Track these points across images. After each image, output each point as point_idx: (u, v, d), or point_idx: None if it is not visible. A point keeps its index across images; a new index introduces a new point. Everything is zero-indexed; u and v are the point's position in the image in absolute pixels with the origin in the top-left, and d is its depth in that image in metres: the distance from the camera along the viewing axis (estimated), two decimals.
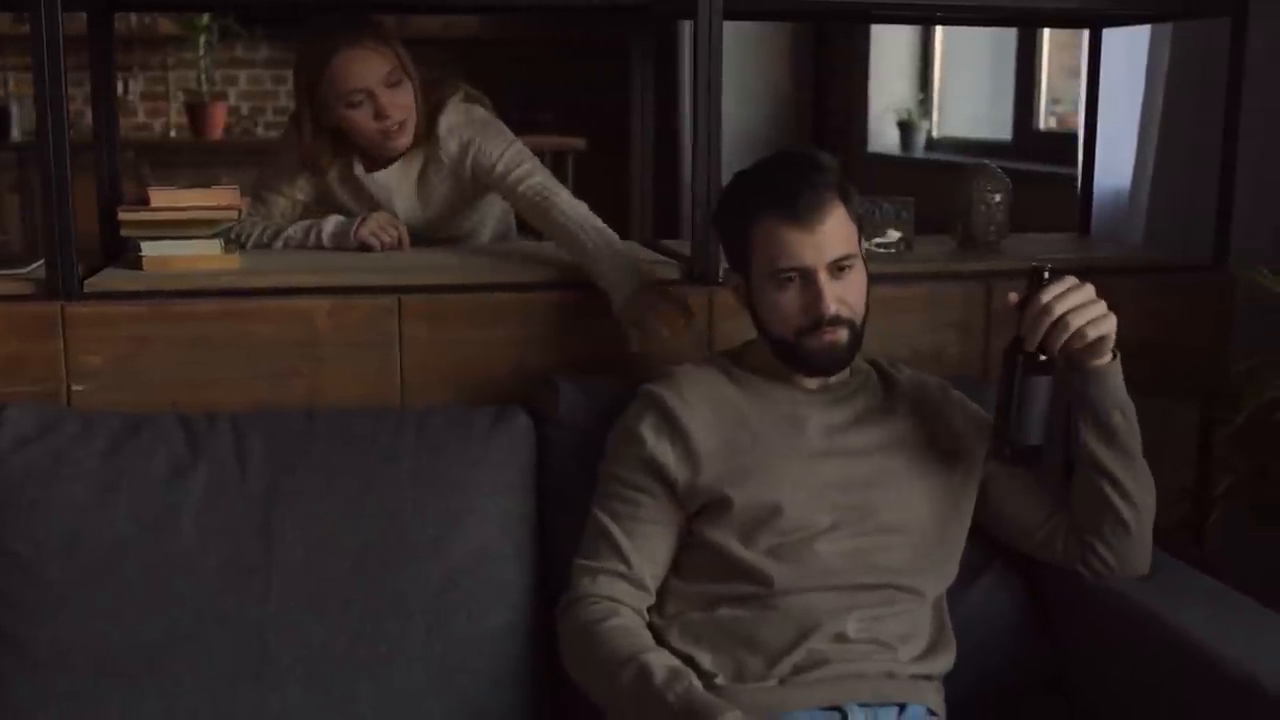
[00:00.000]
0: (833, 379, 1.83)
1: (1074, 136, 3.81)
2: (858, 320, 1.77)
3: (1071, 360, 1.72)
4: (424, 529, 1.83)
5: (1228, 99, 2.38)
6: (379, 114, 2.33)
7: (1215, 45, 2.85)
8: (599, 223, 2.16)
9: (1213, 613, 1.73)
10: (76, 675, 1.73)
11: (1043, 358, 1.67)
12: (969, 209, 2.46)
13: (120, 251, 2.26)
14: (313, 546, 1.81)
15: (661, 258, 2.33)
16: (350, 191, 2.47)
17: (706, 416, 1.77)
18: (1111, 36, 2.87)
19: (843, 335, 1.75)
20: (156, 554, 1.77)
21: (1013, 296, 1.69)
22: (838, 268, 1.73)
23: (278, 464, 1.86)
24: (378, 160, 2.44)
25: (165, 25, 5.87)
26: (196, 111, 5.61)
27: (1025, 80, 4.34)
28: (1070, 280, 1.67)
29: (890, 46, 5.18)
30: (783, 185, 1.73)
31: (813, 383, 1.82)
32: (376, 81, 2.31)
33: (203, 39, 5.49)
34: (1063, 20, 2.89)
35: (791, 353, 1.77)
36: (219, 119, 5.64)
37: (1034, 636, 1.91)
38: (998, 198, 2.46)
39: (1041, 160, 3.93)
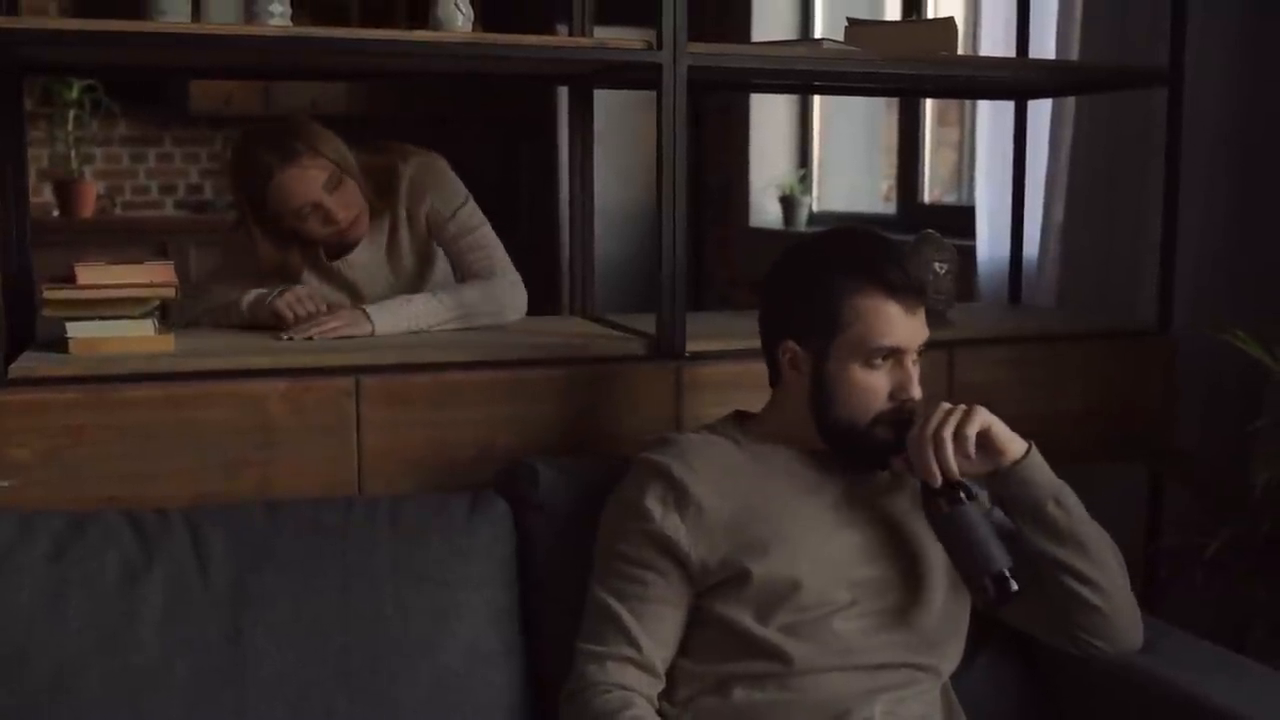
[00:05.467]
0: None
1: (959, 210, 3.87)
2: None
3: (991, 475, 1.68)
4: (410, 627, 1.70)
5: (1167, 167, 2.41)
6: (328, 220, 2.31)
7: (1121, 115, 2.93)
8: (482, 309, 2.26)
9: (1231, 679, 1.70)
10: None
11: (954, 490, 1.63)
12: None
13: (31, 336, 2.10)
14: (289, 652, 1.66)
15: (622, 334, 2.24)
16: (322, 277, 2.41)
17: (717, 484, 1.68)
18: (1006, 110, 2.92)
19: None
20: (116, 668, 1.61)
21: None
22: (914, 356, 1.70)
23: (242, 562, 1.71)
24: (339, 248, 2.41)
25: None
26: (65, 189, 5.31)
27: (909, 154, 4.41)
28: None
29: (769, 120, 5.21)
30: (888, 262, 1.69)
31: (824, 453, 1.74)
32: (318, 193, 2.28)
33: (72, 113, 5.21)
34: (996, 92, 2.92)
35: (856, 438, 1.69)
36: (90, 198, 5.36)
37: (1039, 713, 1.86)
38: (945, 267, 2.45)
39: None
